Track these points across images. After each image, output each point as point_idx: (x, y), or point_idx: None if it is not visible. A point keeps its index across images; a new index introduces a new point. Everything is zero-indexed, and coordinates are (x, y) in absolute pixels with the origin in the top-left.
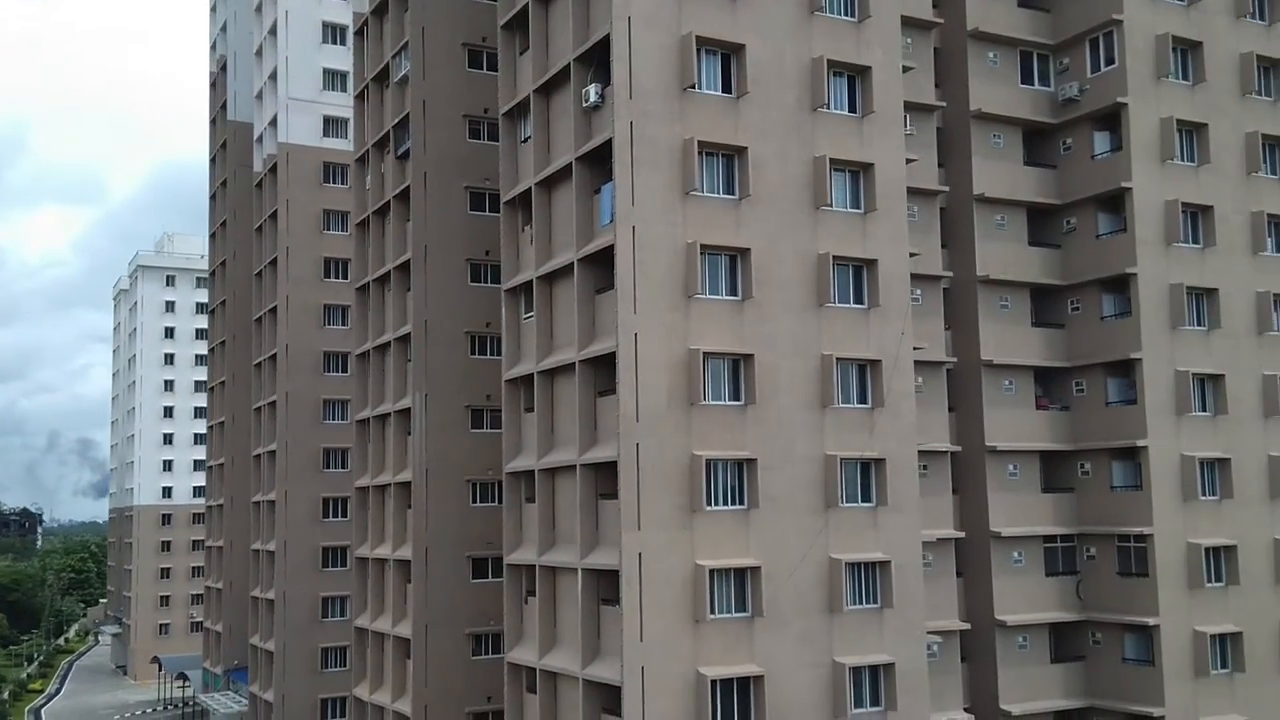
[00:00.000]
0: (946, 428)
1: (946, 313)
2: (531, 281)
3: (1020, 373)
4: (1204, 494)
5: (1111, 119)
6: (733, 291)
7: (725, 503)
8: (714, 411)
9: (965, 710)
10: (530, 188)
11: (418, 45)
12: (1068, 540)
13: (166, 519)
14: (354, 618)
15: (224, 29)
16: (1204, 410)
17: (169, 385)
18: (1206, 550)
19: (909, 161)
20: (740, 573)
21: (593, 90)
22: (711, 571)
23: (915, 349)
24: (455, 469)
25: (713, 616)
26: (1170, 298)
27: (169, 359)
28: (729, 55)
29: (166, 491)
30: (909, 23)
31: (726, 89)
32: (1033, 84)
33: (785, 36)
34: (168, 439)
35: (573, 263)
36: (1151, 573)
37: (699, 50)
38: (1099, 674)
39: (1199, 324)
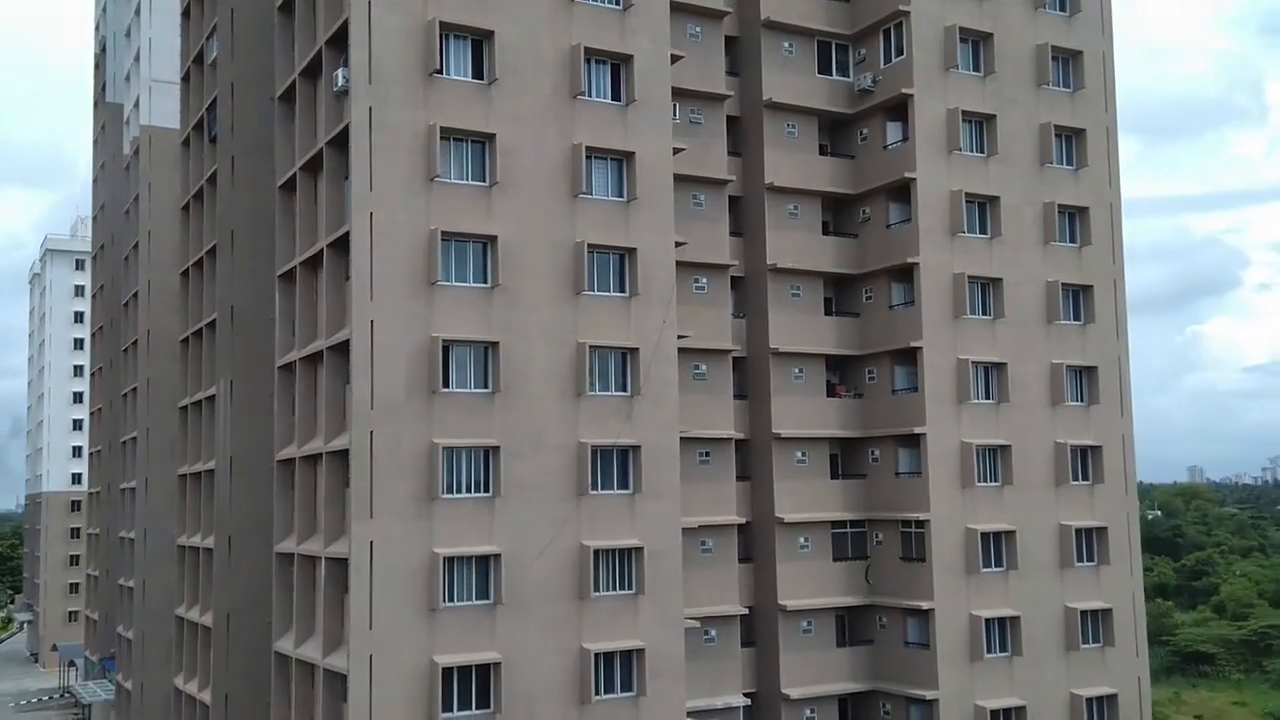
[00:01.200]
0: (731, 415)
1: (742, 302)
2: (296, 268)
3: (811, 361)
4: (984, 480)
5: (901, 110)
6: (482, 279)
7: (468, 490)
8: (458, 399)
9: (746, 695)
10: (295, 173)
11: (226, 27)
12: (858, 526)
13: (76, 505)
14: (175, 607)
15: (104, 10)
16: (987, 398)
17: (78, 370)
18: (984, 535)
19: (678, 150)
20: (482, 560)
21: (340, 75)
22: (449, 559)
23: (680, 337)
24: (262, 456)
25: (449, 604)
26: (954, 287)
27: (78, 344)
28: (480, 41)
29: (76, 478)
30: (698, 12)
31: (478, 75)
32: (831, 74)
33: (542, 23)
34: (77, 425)
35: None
36: (928, 558)
37: (446, 36)
38: (884, 658)
39: (984, 313)
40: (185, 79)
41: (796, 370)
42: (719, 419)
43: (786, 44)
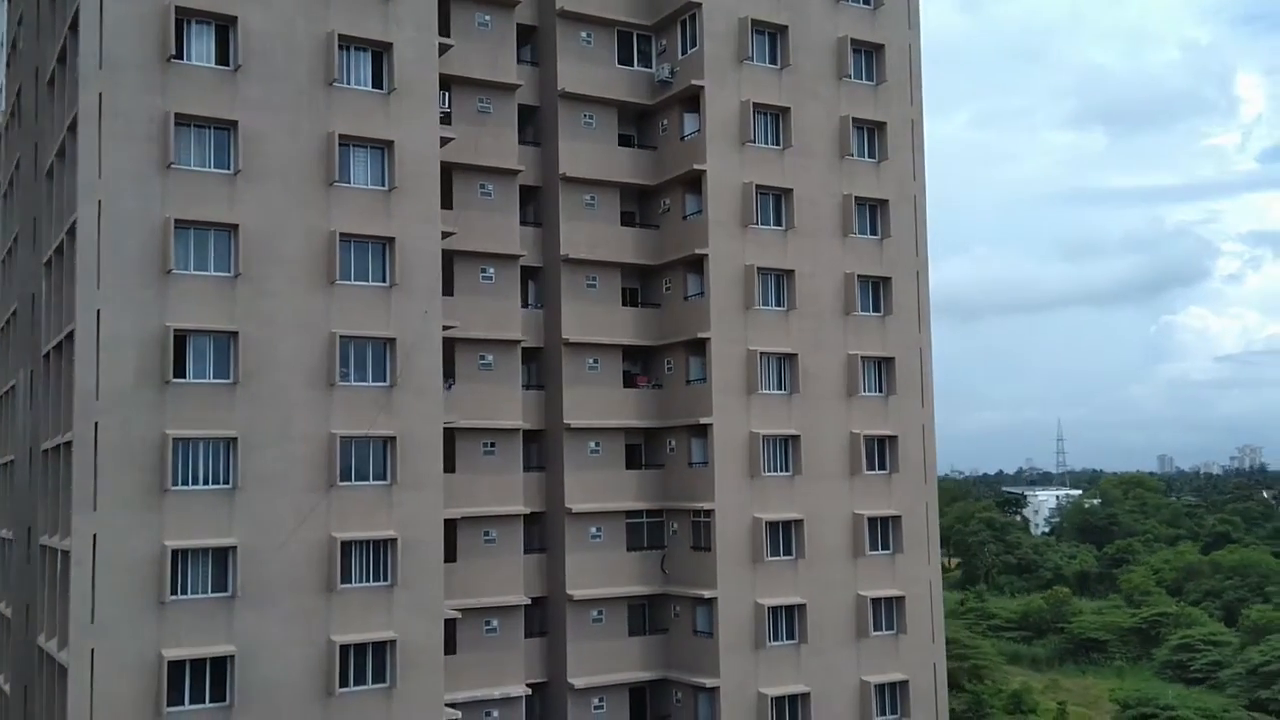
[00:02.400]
0: (519, 405)
1: (539, 291)
2: (51, 256)
3: (607, 351)
4: (774, 470)
5: (697, 101)
6: (224, 268)
7: (206, 482)
8: (194, 390)
9: (537, 685)
10: (52, 160)
11: (32, 11)
12: (655, 516)
13: None
14: None
15: None
16: (779, 389)
17: None
18: (772, 524)
19: (446, 141)
20: (219, 553)
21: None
22: (180, 552)
23: (447, 327)
24: None
25: (180, 597)
26: (744, 279)
27: None
28: (226, 27)
29: None
30: (487, 0)
31: (224, 61)
32: (632, 65)
33: (296, 10)
34: None
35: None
36: (713, 547)
37: (187, 21)
38: (676, 646)
39: (777, 304)
40: (8, 65)
41: (591, 361)
42: (506, 409)
43: (584, 34)
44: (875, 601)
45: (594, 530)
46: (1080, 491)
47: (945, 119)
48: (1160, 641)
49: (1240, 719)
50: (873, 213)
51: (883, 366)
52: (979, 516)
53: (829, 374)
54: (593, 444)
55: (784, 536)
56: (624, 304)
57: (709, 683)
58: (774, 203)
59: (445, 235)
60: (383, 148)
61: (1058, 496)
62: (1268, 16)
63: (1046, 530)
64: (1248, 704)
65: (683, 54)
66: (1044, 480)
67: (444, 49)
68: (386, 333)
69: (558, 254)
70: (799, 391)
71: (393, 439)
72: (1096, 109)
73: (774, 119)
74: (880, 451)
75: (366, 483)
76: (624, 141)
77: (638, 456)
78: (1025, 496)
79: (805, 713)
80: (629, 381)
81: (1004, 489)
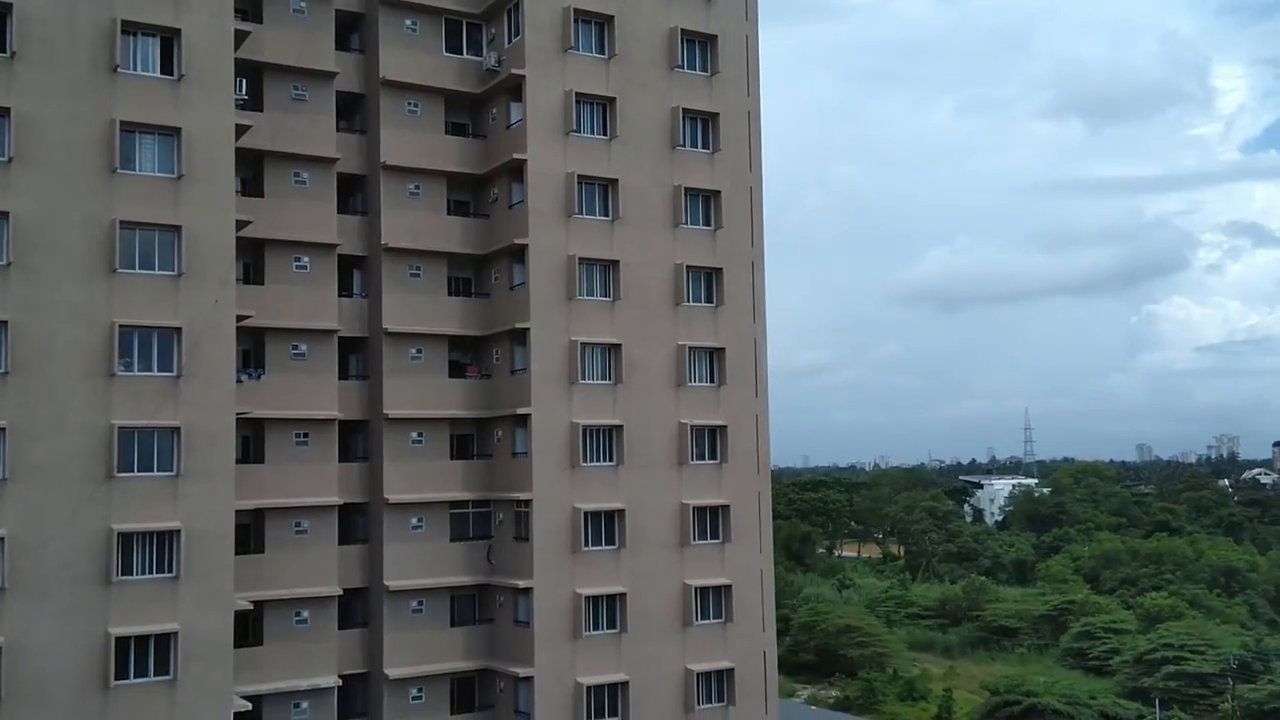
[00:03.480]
0: (334, 395)
1: (364, 281)
2: None
3: (431, 341)
4: (596, 460)
5: (521, 90)
6: None
7: None
8: None
9: (348, 676)
10: None
11: None
12: (482, 506)
13: None
14: None
15: None
16: (604, 379)
17: None
18: (593, 514)
19: (245, 128)
20: None
21: None
22: None
23: (243, 317)
24: None
25: None
26: (567, 268)
27: None
28: (3, 15)
29: None
30: None
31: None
32: (461, 53)
33: None
34: None
35: None
36: (530, 537)
37: None
38: (499, 636)
39: (602, 295)
40: None
41: (414, 351)
42: (320, 399)
43: (409, 21)
44: (702, 590)
45: (415, 521)
46: (1035, 480)
47: (930, 110)
48: (1068, 629)
49: (1104, 706)
50: (706, 204)
51: (714, 357)
52: (922, 505)
53: (657, 364)
54: (415, 434)
55: (606, 526)
56: (453, 293)
57: (523, 672)
58: (600, 193)
59: (243, 224)
60: (171, 135)
61: (1013, 485)
62: (1249, 7)
63: (999, 518)
64: (1130, 691)
65: (509, 43)
66: (1013, 469)
67: (244, 35)
68: (173, 322)
69: (379, 243)
70: (623, 382)
71: (178, 429)
72: (1079, 99)
73: (601, 109)
74: (711, 441)
75: (150, 474)
76: (458, 130)
77: (469, 447)
78: (981, 485)
79: (625, 701)
80: (459, 371)
81: (961, 478)
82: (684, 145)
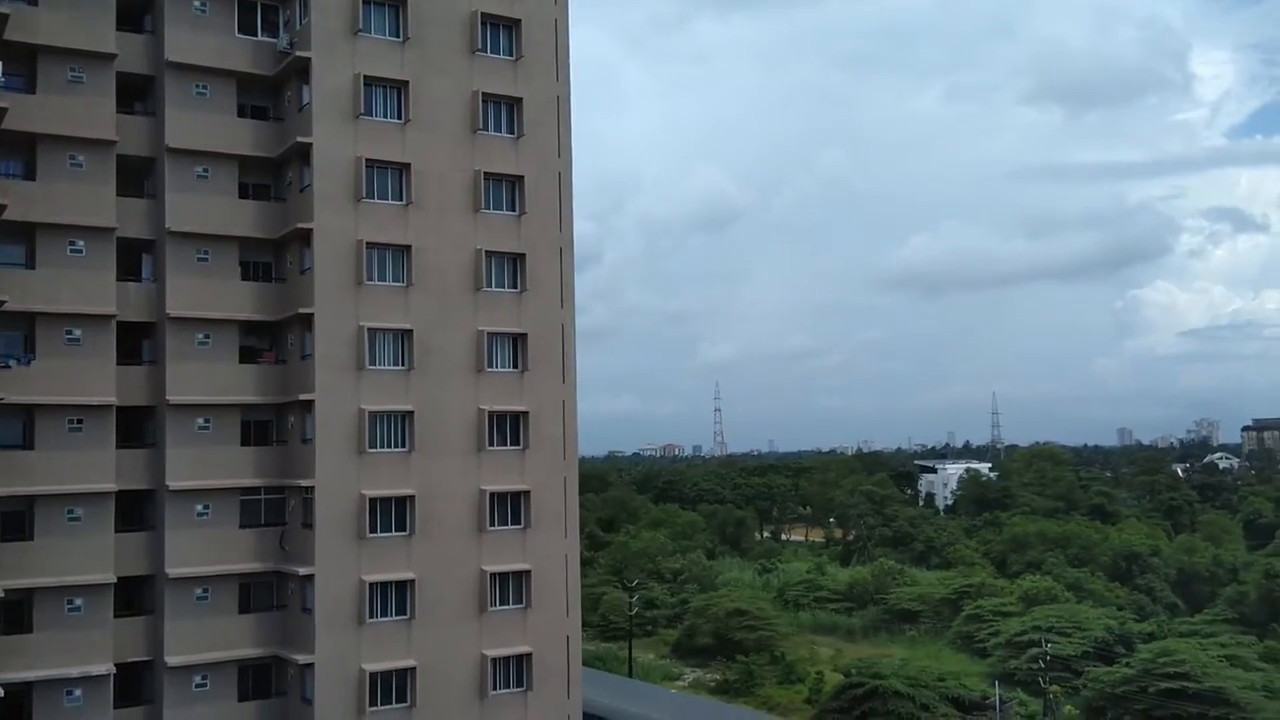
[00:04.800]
0: (112, 381)
1: (154, 266)
2: None
3: (221, 326)
4: (387, 446)
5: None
6: None
7: None
8: None
9: (130, 663)
10: None
11: None
12: (276, 492)
13: None
14: None
15: None
16: (397, 365)
17: None
18: (382, 501)
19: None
20: None
21: None
22: None
23: None
24: None
25: None
26: (356, 253)
27: None
28: None
29: None
30: None
31: None
32: (256, 35)
33: None
34: None
35: None
36: (314, 524)
37: None
38: (289, 623)
39: (396, 280)
40: None
41: (202, 336)
42: (96, 385)
43: (199, 3)
44: (501, 576)
45: (201, 508)
46: (989, 465)
47: (917, 95)
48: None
49: (948, 689)
50: (510, 189)
51: (517, 343)
52: (860, 490)
53: (455, 350)
54: (201, 420)
55: (396, 513)
56: (250, 278)
57: (305, 659)
58: (393, 177)
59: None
60: None
61: (967, 469)
62: None
63: (950, 502)
64: (1001, 674)
65: (300, 24)
66: (980, 454)
67: (3, 17)
68: None
69: (163, 227)
70: (417, 368)
71: None
72: (1064, 84)
73: (395, 92)
74: (513, 427)
75: None
76: (257, 113)
77: (268, 433)
78: (935, 469)
79: (412, 687)
80: (253, 357)
81: (916, 462)
82: (486, 130)
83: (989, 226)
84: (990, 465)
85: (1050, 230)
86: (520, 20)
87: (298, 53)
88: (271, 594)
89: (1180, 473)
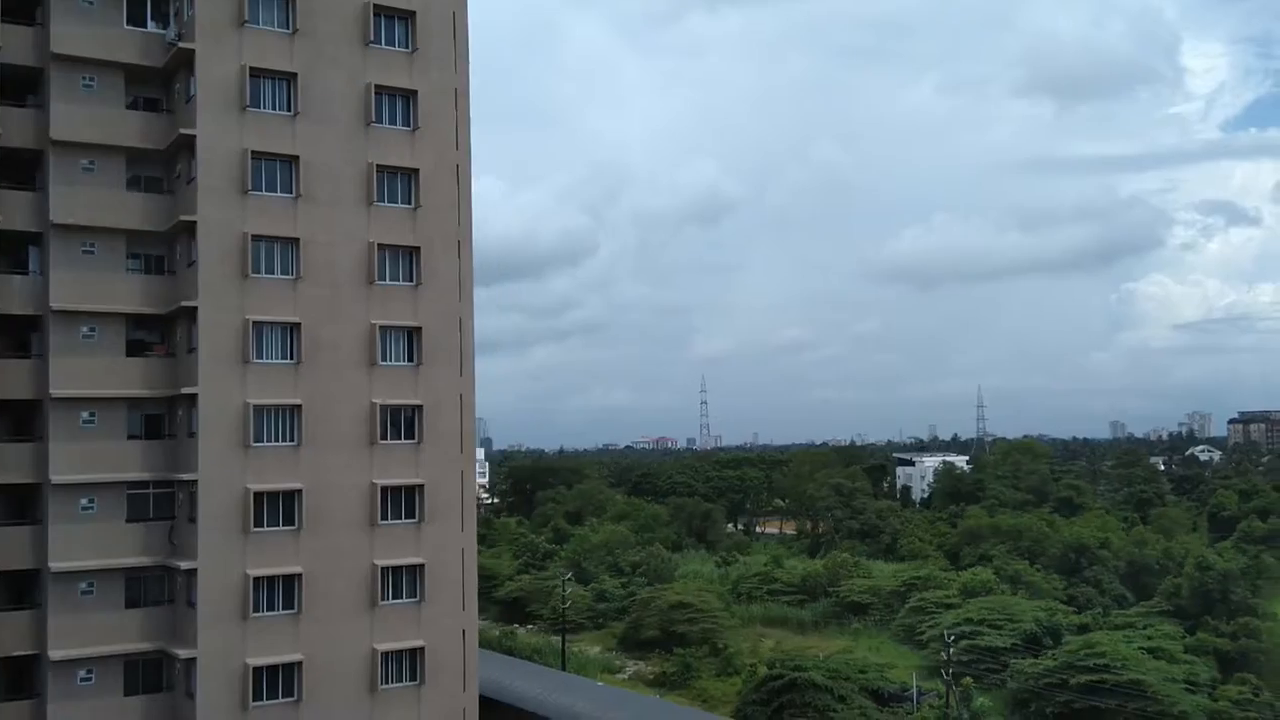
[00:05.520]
0: None
1: (41, 260)
2: None
3: (107, 319)
4: (274, 440)
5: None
6: None
7: None
8: None
9: (8, 658)
10: None
11: None
12: (165, 486)
13: None
14: None
15: None
16: (285, 358)
17: None
18: (267, 495)
19: None
20: None
21: None
22: None
23: None
24: None
25: None
26: (241, 246)
27: None
28: None
29: None
30: None
31: None
32: (145, 26)
33: None
34: None
35: None
36: (197, 518)
37: None
38: (177, 618)
39: (284, 273)
40: None
41: (87, 329)
42: None
43: None
44: (394, 570)
45: (85, 502)
46: (966, 458)
47: (910, 87)
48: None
49: (869, 681)
50: (405, 182)
51: (412, 336)
52: (830, 483)
53: (347, 344)
54: (86, 414)
55: (284, 507)
56: (141, 271)
57: (188, 654)
58: (281, 170)
59: None
60: None
61: (942, 462)
62: None
63: (926, 495)
64: (936, 665)
65: (187, 16)
66: (966, 447)
67: None
68: None
69: (48, 221)
70: (305, 361)
71: None
72: (1057, 76)
73: (283, 84)
74: (407, 421)
75: None
76: (149, 104)
77: (160, 427)
78: (913, 462)
79: (299, 681)
80: (140, 350)
81: (895, 455)
82: (380, 123)
83: (982, 219)
84: (968, 459)
85: (1043, 223)
86: (415, 12)
87: (183, 44)
88: (160, 588)
89: (1160, 466)
